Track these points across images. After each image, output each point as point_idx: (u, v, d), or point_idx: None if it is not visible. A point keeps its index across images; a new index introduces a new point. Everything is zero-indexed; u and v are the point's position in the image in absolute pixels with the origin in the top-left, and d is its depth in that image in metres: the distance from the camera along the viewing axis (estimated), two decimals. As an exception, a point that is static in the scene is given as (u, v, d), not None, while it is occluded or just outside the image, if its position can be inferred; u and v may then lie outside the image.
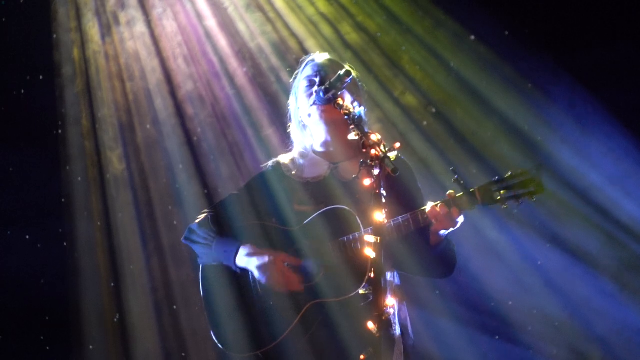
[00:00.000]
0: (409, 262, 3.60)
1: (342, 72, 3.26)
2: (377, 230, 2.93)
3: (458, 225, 3.47)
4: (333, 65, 3.71)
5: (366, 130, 3.10)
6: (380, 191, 2.97)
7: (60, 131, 5.61)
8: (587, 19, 5.56)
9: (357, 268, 3.45)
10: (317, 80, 3.62)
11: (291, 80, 3.86)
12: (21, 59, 5.48)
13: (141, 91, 5.78)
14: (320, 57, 3.79)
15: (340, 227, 3.52)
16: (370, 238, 2.92)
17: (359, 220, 3.50)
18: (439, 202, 3.46)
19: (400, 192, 3.60)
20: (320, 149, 3.76)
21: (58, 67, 5.62)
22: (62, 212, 5.56)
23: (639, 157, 5.57)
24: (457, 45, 5.86)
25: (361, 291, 3.43)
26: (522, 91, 5.76)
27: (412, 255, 3.57)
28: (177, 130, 5.80)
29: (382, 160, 2.97)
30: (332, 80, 3.32)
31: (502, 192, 3.41)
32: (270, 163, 3.83)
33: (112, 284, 5.59)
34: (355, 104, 3.61)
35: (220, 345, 3.57)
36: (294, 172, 3.73)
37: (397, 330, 3.56)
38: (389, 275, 3.58)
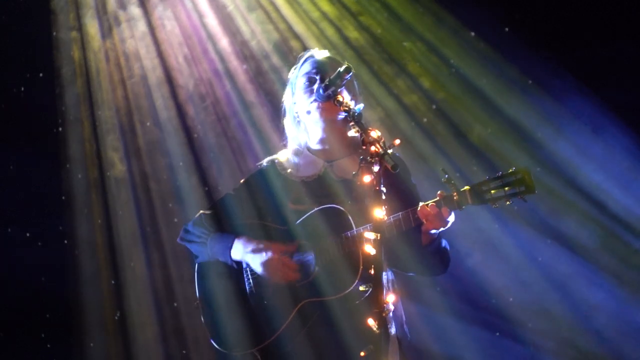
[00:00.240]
0: (402, 260, 3.61)
1: (341, 69, 3.25)
2: (377, 227, 2.93)
3: (449, 225, 3.47)
4: (332, 62, 3.71)
5: (366, 127, 3.09)
6: (380, 188, 2.97)
7: (60, 129, 5.61)
8: (588, 15, 5.56)
9: (354, 266, 3.45)
10: (316, 77, 3.61)
11: (288, 75, 3.84)
12: (21, 57, 5.48)
13: (141, 89, 5.78)
14: (319, 53, 3.77)
15: (334, 226, 3.52)
16: (370, 235, 2.92)
17: (351, 219, 3.50)
18: (429, 201, 3.46)
19: (395, 189, 3.58)
20: (315, 147, 3.74)
21: (58, 65, 5.61)
22: (63, 210, 5.56)
23: (638, 154, 5.57)
24: (457, 42, 5.85)
25: (362, 288, 3.43)
26: (523, 88, 5.76)
27: (405, 254, 3.58)
28: (178, 128, 5.80)
29: (381, 157, 2.97)
30: (331, 77, 3.31)
31: (492, 191, 3.42)
32: (265, 162, 3.82)
33: (113, 282, 5.60)
34: (352, 102, 3.60)
35: (215, 344, 3.57)
36: (289, 171, 3.72)
37: (393, 328, 3.56)
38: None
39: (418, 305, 5.60)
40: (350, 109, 3.19)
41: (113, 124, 5.72)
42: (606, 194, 5.63)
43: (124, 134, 5.73)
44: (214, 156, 5.77)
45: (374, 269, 2.90)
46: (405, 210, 3.48)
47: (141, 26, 5.79)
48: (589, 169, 5.65)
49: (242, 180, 3.84)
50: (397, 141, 3.03)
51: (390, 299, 2.91)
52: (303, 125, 3.74)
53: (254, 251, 3.55)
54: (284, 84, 3.89)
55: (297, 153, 3.76)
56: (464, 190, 3.44)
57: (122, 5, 5.80)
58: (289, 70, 3.87)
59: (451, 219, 3.45)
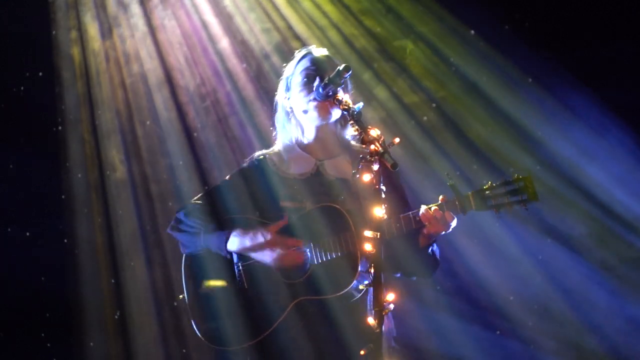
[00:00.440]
0: (393, 261, 3.61)
1: (341, 68, 3.24)
2: (376, 226, 2.93)
3: (450, 229, 3.50)
4: (330, 61, 3.71)
5: (365, 125, 3.09)
6: (379, 186, 2.97)
7: (60, 128, 5.60)
8: (588, 14, 5.56)
9: (352, 265, 3.46)
10: (315, 75, 3.60)
11: (283, 70, 3.81)
12: (20, 56, 5.48)
13: (141, 87, 5.77)
14: (317, 51, 3.76)
15: (331, 225, 3.52)
16: (369, 233, 2.92)
17: (349, 219, 3.50)
18: (432, 205, 3.48)
19: (387, 188, 3.60)
20: (308, 144, 3.72)
21: (57, 64, 5.61)
22: (62, 210, 5.56)
23: (637, 153, 5.56)
24: (457, 41, 5.85)
25: (361, 287, 3.43)
26: (522, 86, 5.75)
27: (398, 254, 3.58)
28: (177, 126, 5.79)
29: (381, 156, 2.96)
30: (331, 75, 3.30)
31: (496, 198, 3.47)
32: (256, 156, 3.79)
33: (113, 281, 5.59)
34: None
35: (205, 339, 3.54)
36: (280, 167, 3.70)
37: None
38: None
39: (418, 304, 5.60)
40: (349, 107, 3.19)
41: (113, 123, 5.72)
42: (607, 193, 5.63)
43: (123, 133, 5.73)
44: (213, 155, 5.76)
45: (374, 268, 2.91)
46: (407, 213, 3.50)
47: (141, 26, 5.78)
48: (589, 168, 5.65)
49: (232, 173, 3.80)
50: (397, 140, 3.03)
51: (390, 297, 2.90)
52: (295, 122, 3.72)
53: (252, 239, 3.53)
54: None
55: (288, 149, 3.74)
56: (468, 195, 3.48)
57: (122, 5, 5.80)
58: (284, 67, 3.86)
59: (454, 223, 3.49)
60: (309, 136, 3.71)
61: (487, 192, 3.48)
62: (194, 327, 3.56)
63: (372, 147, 2.98)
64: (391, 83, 5.91)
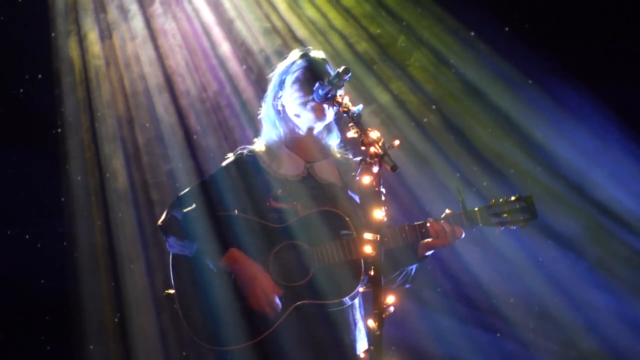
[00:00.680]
0: (392, 262, 3.63)
1: (340, 70, 3.24)
2: (376, 228, 2.93)
3: (455, 242, 3.56)
4: (325, 64, 3.70)
5: (365, 127, 3.09)
6: (379, 189, 2.96)
7: (59, 130, 5.60)
8: (588, 15, 5.55)
9: (354, 271, 3.47)
10: (313, 76, 3.58)
11: (277, 67, 3.77)
12: (19, 58, 5.47)
13: (141, 90, 5.77)
14: (314, 53, 3.75)
15: (332, 230, 3.53)
16: (369, 236, 2.92)
17: (350, 224, 3.52)
18: (441, 218, 3.54)
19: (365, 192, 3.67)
20: (295, 145, 3.70)
21: (57, 66, 5.61)
22: (62, 212, 5.55)
23: (637, 153, 5.56)
24: (457, 42, 5.85)
25: (361, 289, 3.44)
26: (523, 87, 5.75)
27: (390, 261, 3.60)
28: (177, 128, 5.79)
29: (381, 158, 2.96)
30: (330, 77, 3.30)
31: (499, 215, 3.56)
32: (246, 151, 3.73)
33: (112, 284, 5.59)
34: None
35: (198, 339, 3.49)
36: (271, 166, 3.66)
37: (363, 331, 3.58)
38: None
39: (418, 306, 5.60)
40: (349, 109, 3.18)
41: (112, 125, 5.71)
42: (609, 196, 5.62)
43: (123, 135, 5.72)
44: (214, 158, 5.76)
45: (374, 270, 2.91)
46: (412, 224, 3.55)
47: (141, 29, 5.78)
48: (590, 170, 5.64)
49: (226, 164, 3.71)
50: (397, 142, 3.03)
51: (390, 299, 2.90)
52: (286, 121, 3.69)
53: (243, 274, 3.48)
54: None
55: (275, 148, 3.70)
56: (475, 211, 3.55)
57: (122, 9, 5.79)
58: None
59: (461, 237, 3.55)
60: (298, 137, 3.69)
61: (492, 208, 3.57)
62: (185, 325, 3.52)
63: (372, 149, 2.98)
64: (391, 85, 5.91)
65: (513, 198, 3.58)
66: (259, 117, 3.83)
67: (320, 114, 3.59)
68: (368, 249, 2.92)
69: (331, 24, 5.87)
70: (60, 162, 5.59)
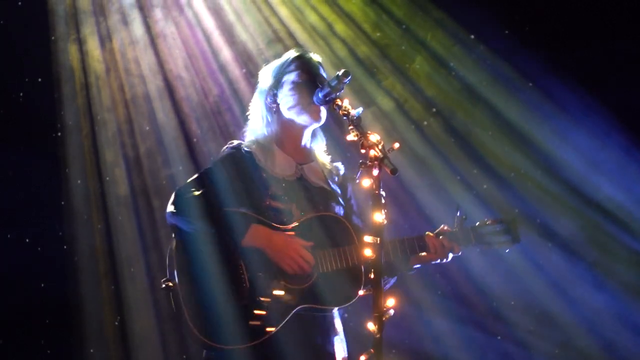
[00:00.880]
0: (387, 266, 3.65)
1: (340, 73, 3.23)
2: (376, 231, 2.93)
3: (449, 259, 3.65)
4: (321, 67, 3.70)
5: (365, 130, 3.09)
6: (379, 192, 2.96)
7: (59, 134, 5.60)
8: (589, 16, 5.56)
9: (356, 278, 3.49)
10: (312, 78, 3.58)
11: (272, 66, 3.75)
12: (19, 61, 5.47)
13: (141, 93, 5.77)
14: (313, 55, 3.75)
15: (333, 236, 3.54)
16: (369, 239, 2.92)
17: (352, 231, 3.55)
18: (438, 233, 3.63)
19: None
20: (286, 146, 3.69)
21: (56, 69, 5.61)
22: (62, 216, 5.55)
23: (638, 156, 5.56)
24: (456, 45, 5.85)
25: (361, 292, 3.44)
26: (522, 90, 5.75)
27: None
28: (177, 132, 5.79)
29: (381, 161, 2.96)
30: (330, 81, 3.29)
31: (486, 236, 3.69)
32: (243, 147, 3.67)
33: (113, 287, 5.59)
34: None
35: (201, 335, 3.41)
36: (266, 165, 3.62)
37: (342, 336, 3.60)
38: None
39: (418, 309, 5.60)
40: (349, 112, 3.18)
41: (112, 129, 5.71)
42: (609, 199, 5.63)
43: (123, 139, 5.72)
44: (213, 160, 5.76)
45: (374, 273, 2.91)
46: (411, 237, 3.60)
47: (141, 34, 5.77)
48: (590, 173, 5.65)
49: (222, 156, 3.65)
50: (397, 145, 3.03)
51: (390, 302, 2.90)
52: (279, 120, 3.67)
53: (275, 241, 3.45)
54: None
55: (266, 146, 3.66)
56: (469, 229, 3.68)
57: (122, 14, 5.79)
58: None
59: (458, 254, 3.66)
60: (290, 137, 3.68)
61: (480, 229, 3.69)
62: (188, 319, 3.42)
63: (372, 152, 2.98)
64: (391, 88, 5.91)
65: (502, 218, 3.71)
66: (247, 113, 3.79)
67: (317, 116, 3.61)
68: (368, 252, 2.92)
69: (332, 27, 5.87)
70: (60, 165, 5.59)
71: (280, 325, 3.43)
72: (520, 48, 5.61)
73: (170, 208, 3.58)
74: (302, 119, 3.63)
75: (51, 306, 5.39)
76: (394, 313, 2.90)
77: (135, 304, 5.57)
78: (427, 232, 3.62)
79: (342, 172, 3.83)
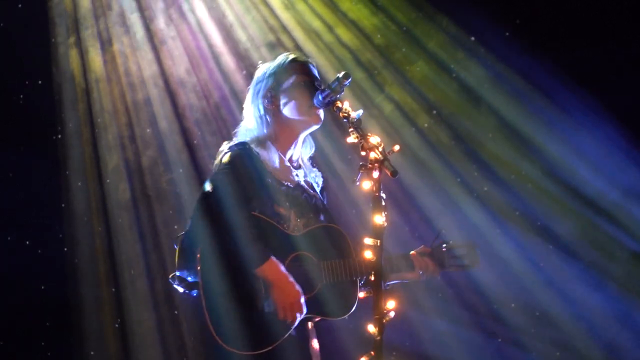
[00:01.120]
0: None
1: (340, 75, 3.23)
2: (376, 233, 2.93)
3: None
4: (315, 69, 3.68)
5: (365, 132, 3.08)
6: (379, 194, 2.96)
7: (59, 136, 5.60)
8: (590, 18, 5.56)
9: (352, 290, 3.52)
10: (311, 80, 3.57)
11: (270, 66, 3.70)
12: (20, 63, 5.47)
13: (141, 96, 5.77)
14: (310, 58, 3.74)
15: (336, 247, 3.55)
16: (369, 241, 2.92)
17: (350, 244, 3.56)
18: (421, 254, 3.72)
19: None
20: (283, 149, 3.66)
21: (57, 71, 5.61)
22: (62, 218, 5.55)
23: (638, 156, 5.56)
24: (457, 47, 5.85)
25: (362, 294, 3.45)
26: (523, 93, 5.76)
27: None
28: (177, 134, 5.79)
29: (381, 163, 2.96)
30: (330, 83, 3.28)
31: (452, 259, 3.77)
32: (255, 148, 3.57)
33: (113, 289, 5.58)
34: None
35: (219, 339, 3.32)
36: (273, 168, 3.57)
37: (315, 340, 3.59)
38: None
39: (419, 311, 5.59)
40: (349, 114, 3.18)
41: (113, 131, 5.71)
42: (610, 202, 5.63)
43: (123, 141, 5.72)
44: (213, 163, 5.75)
45: (374, 275, 2.91)
46: (398, 255, 3.67)
47: (142, 39, 5.77)
48: (591, 176, 5.65)
49: (236, 152, 3.53)
50: (397, 147, 3.03)
51: (390, 305, 2.90)
52: (278, 123, 3.63)
53: (281, 292, 3.36)
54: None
55: (266, 147, 3.60)
56: (444, 253, 3.76)
57: (123, 18, 5.79)
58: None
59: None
60: (287, 140, 3.65)
61: (451, 251, 3.79)
62: (209, 321, 3.33)
63: (372, 154, 2.98)
64: (391, 90, 5.91)
65: (463, 243, 3.80)
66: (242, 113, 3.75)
67: (317, 119, 3.59)
68: (368, 254, 2.93)
69: (333, 30, 5.87)
70: (60, 167, 5.59)
71: (288, 334, 3.42)
72: (521, 50, 5.61)
73: (207, 205, 3.39)
74: (302, 121, 3.60)
75: (51, 308, 5.39)
76: (395, 315, 2.90)
77: (135, 306, 5.57)
78: (412, 252, 3.70)
79: (321, 181, 3.82)
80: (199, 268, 3.36)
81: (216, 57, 5.83)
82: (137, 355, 5.53)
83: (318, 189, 3.76)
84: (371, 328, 2.87)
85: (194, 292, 3.41)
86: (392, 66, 5.90)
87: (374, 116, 5.76)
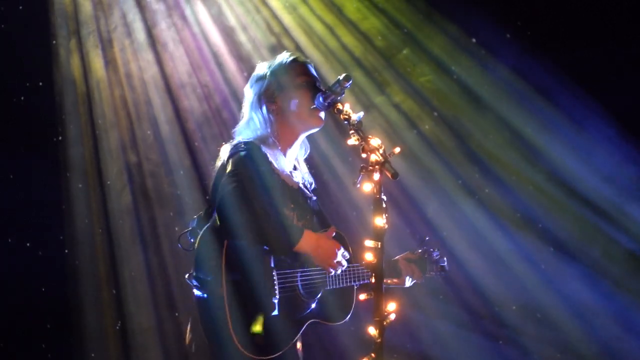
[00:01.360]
0: None
1: (341, 77, 3.23)
2: (377, 235, 2.93)
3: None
4: (317, 72, 3.69)
5: (366, 135, 3.08)
6: (380, 196, 2.96)
7: (60, 138, 5.60)
8: (592, 21, 5.56)
9: (349, 295, 3.58)
10: (313, 82, 3.57)
11: (267, 67, 3.68)
12: (20, 65, 5.47)
13: (141, 98, 5.77)
14: (310, 60, 3.74)
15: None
16: (370, 243, 2.92)
17: (350, 248, 3.58)
18: (407, 260, 3.81)
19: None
20: (286, 150, 3.65)
21: (57, 73, 5.61)
22: (63, 220, 5.55)
23: (638, 158, 5.56)
24: (458, 49, 5.85)
25: (362, 296, 3.44)
26: (524, 95, 5.75)
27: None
28: (178, 136, 5.79)
29: (382, 165, 2.96)
30: (331, 85, 3.28)
31: (430, 264, 3.89)
32: (264, 149, 3.54)
33: (114, 291, 5.58)
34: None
35: (238, 343, 3.28)
36: (278, 169, 3.56)
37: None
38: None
39: (420, 313, 5.59)
40: (350, 116, 3.18)
41: (113, 133, 5.71)
42: (611, 205, 5.62)
43: (124, 142, 5.72)
44: (214, 165, 5.75)
45: (375, 278, 2.90)
46: (387, 261, 3.70)
47: (143, 42, 5.77)
48: (592, 178, 5.65)
49: (249, 146, 3.49)
50: (398, 149, 3.03)
51: (391, 307, 2.90)
52: (279, 124, 3.60)
53: (328, 251, 3.44)
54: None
55: (271, 148, 3.57)
56: (426, 259, 3.87)
57: (125, 21, 5.79)
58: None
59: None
60: (288, 141, 3.64)
61: (429, 257, 3.91)
62: (230, 326, 3.27)
63: (373, 156, 2.98)
64: (392, 92, 5.91)
65: (432, 249, 3.89)
66: (242, 114, 3.73)
67: (319, 121, 3.58)
68: (369, 257, 2.93)
69: (334, 32, 5.87)
70: (61, 168, 5.59)
71: (295, 340, 3.44)
72: (522, 51, 5.62)
73: (236, 198, 3.32)
74: (303, 122, 3.59)
75: (52, 309, 5.39)
76: (395, 317, 2.90)
77: (136, 309, 5.56)
78: (397, 257, 3.76)
79: (313, 183, 3.81)
80: (223, 263, 3.30)
81: (217, 60, 5.83)
82: (138, 357, 5.53)
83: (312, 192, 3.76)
84: (372, 330, 2.87)
85: (205, 294, 3.35)
86: (393, 68, 5.90)
87: (374, 118, 5.76)
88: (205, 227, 3.41)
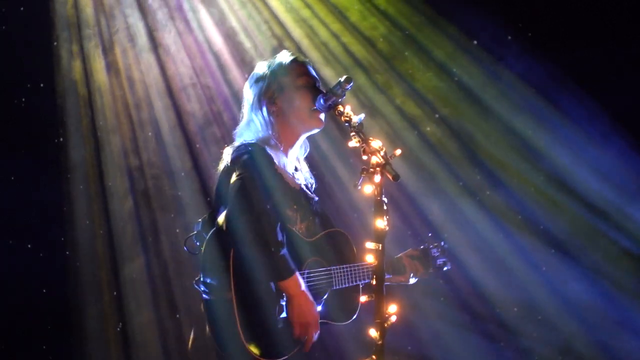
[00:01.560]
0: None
1: (342, 79, 3.22)
2: (378, 237, 2.93)
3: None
4: (316, 73, 3.69)
5: (367, 137, 3.08)
6: (381, 198, 2.96)
7: (61, 139, 5.60)
8: (593, 22, 5.56)
9: (355, 296, 3.57)
10: (313, 83, 3.56)
11: (267, 67, 3.66)
12: (21, 66, 5.48)
13: (143, 99, 5.77)
14: (309, 60, 3.74)
15: (342, 252, 3.58)
16: (371, 245, 2.92)
17: (354, 249, 3.59)
18: (410, 257, 3.81)
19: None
20: (287, 151, 3.64)
21: (58, 75, 5.61)
22: (64, 221, 5.55)
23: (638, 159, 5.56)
24: (459, 51, 5.85)
25: (363, 298, 3.44)
26: (526, 96, 5.75)
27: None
28: (179, 138, 5.79)
29: (383, 167, 2.96)
30: (332, 87, 3.27)
31: (433, 261, 3.91)
32: (268, 149, 3.52)
33: (115, 293, 5.58)
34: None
35: (246, 344, 3.28)
36: (281, 170, 3.55)
37: None
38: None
39: (421, 315, 5.59)
40: (351, 118, 3.17)
41: (114, 134, 5.71)
42: (612, 206, 5.62)
43: (125, 144, 5.72)
44: (216, 168, 5.75)
45: (376, 279, 2.91)
46: (390, 259, 3.71)
47: (145, 45, 5.77)
48: (593, 180, 5.64)
49: (255, 148, 3.48)
50: (399, 151, 3.03)
51: (392, 309, 2.90)
52: (280, 124, 3.60)
53: (303, 309, 3.37)
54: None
55: (274, 150, 3.56)
56: (430, 257, 3.88)
57: (126, 23, 5.79)
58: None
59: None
60: (289, 142, 3.64)
61: (432, 251, 3.93)
62: (240, 330, 3.27)
63: (374, 158, 2.98)
64: (393, 94, 5.91)
65: (435, 244, 3.92)
66: (241, 115, 3.72)
67: (320, 122, 3.58)
68: (370, 258, 2.93)
69: (334, 34, 5.87)
70: (62, 170, 5.59)
71: (300, 345, 3.42)
72: (523, 54, 5.61)
73: (243, 205, 3.32)
74: (303, 124, 3.59)
75: (53, 311, 5.39)
76: (396, 319, 2.90)
77: (137, 311, 5.57)
78: (401, 255, 3.76)
79: (314, 184, 3.81)
80: (232, 267, 3.30)
81: (219, 62, 5.83)
82: (138, 358, 5.53)
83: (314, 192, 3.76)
84: (373, 332, 2.87)
85: (213, 298, 3.36)
86: (395, 70, 5.90)
87: (375, 120, 5.76)
88: (212, 231, 3.39)
